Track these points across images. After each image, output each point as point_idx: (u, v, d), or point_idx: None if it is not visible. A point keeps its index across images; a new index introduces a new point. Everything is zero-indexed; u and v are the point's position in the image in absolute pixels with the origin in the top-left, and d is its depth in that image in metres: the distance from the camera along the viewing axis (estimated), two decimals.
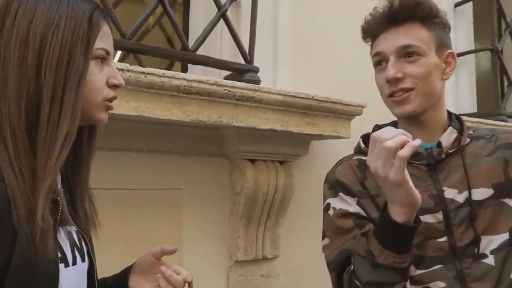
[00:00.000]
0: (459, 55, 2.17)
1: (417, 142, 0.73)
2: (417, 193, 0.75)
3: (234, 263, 1.45)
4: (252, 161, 1.42)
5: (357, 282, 0.82)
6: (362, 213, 0.90)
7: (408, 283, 0.84)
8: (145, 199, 1.29)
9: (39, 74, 0.58)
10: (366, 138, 0.98)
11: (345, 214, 0.90)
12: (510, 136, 0.94)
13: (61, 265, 0.60)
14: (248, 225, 1.45)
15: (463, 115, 2.01)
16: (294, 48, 1.61)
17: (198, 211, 1.43)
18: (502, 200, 0.87)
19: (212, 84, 1.18)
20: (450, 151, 0.90)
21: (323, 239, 0.96)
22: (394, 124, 0.98)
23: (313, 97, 1.35)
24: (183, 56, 1.23)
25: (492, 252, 0.85)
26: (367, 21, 0.95)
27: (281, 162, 1.47)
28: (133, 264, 0.80)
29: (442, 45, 0.92)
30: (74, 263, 0.64)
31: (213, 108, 1.21)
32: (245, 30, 1.45)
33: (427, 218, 0.86)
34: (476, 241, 0.85)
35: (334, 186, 0.96)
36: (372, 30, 0.94)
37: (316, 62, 1.65)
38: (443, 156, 0.90)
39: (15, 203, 0.54)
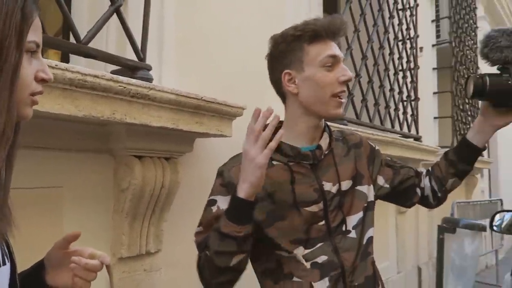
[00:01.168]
0: None
1: (279, 135, 0.94)
2: (263, 178, 0.94)
3: (117, 260, 1.43)
4: (139, 157, 1.43)
5: (208, 253, 0.99)
6: None
7: (303, 261, 1.03)
8: (23, 199, 1.18)
9: None
10: None
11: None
12: (355, 137, 1.21)
13: None
14: (133, 221, 1.46)
15: None
16: (178, 47, 1.66)
17: (79, 210, 1.36)
18: (356, 187, 1.13)
19: (108, 80, 1.16)
20: (326, 152, 1.11)
21: (198, 226, 1.10)
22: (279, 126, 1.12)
23: (202, 97, 1.43)
24: (76, 48, 1.17)
25: (353, 228, 1.09)
26: (321, 24, 1.05)
27: (167, 159, 1.51)
28: (42, 260, 0.76)
29: None
30: None
31: (107, 104, 1.18)
32: (131, 26, 1.44)
33: (313, 208, 1.05)
34: (343, 221, 1.09)
35: (227, 185, 1.06)
36: (324, 31, 1.05)
37: (199, 62, 1.73)
38: (322, 156, 1.10)
39: None
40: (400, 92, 3.31)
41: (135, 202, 1.43)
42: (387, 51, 3.15)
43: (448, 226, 3.50)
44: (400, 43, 3.37)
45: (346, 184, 1.11)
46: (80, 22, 1.41)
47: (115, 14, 1.29)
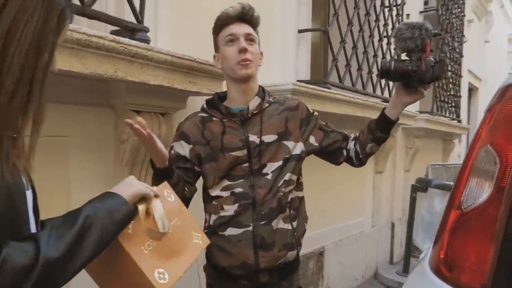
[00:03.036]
0: (300, 31, 2.65)
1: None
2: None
3: None
4: (138, 112, 1.58)
5: None
6: (188, 156, 1.38)
7: (223, 191, 1.36)
8: None
9: (6, 50, 0.63)
10: (208, 101, 1.44)
11: (178, 155, 1.38)
12: (292, 102, 1.45)
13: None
14: (132, 169, 1.63)
15: (300, 81, 2.51)
16: (172, 9, 1.77)
17: (84, 157, 1.53)
18: (282, 141, 1.38)
19: (110, 41, 1.28)
20: (254, 112, 1.38)
21: None
22: (223, 96, 1.45)
23: (195, 59, 1.57)
24: (81, 10, 1.28)
25: (271, 172, 1.37)
26: (222, 16, 1.37)
27: (162, 114, 1.67)
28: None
29: (259, 43, 1.41)
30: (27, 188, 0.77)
31: (111, 63, 1.32)
32: None
33: (237, 153, 1.35)
34: (263, 166, 1.36)
35: (180, 135, 1.41)
36: (224, 20, 1.37)
37: (192, 25, 1.84)
38: (249, 115, 1.37)
39: None
40: (384, 58, 3.44)
41: (134, 153, 1.59)
42: (373, 18, 3.26)
43: (421, 186, 3.76)
44: (386, 10, 3.47)
45: (269, 138, 1.37)
46: None
47: None
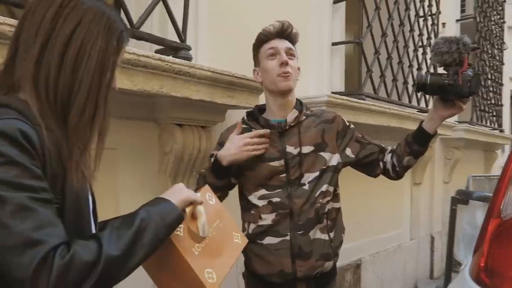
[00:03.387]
0: (334, 44, 2.69)
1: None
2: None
3: None
4: (180, 125, 1.67)
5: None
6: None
7: (260, 200, 1.40)
8: None
9: (74, 72, 0.73)
10: (249, 113, 1.49)
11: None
12: (329, 114, 1.49)
13: None
14: (175, 180, 1.71)
15: (335, 93, 2.54)
16: (211, 28, 1.87)
17: (130, 168, 1.63)
18: (318, 153, 1.42)
19: (157, 59, 1.38)
20: (292, 124, 1.42)
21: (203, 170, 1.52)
22: (263, 108, 1.51)
23: (234, 74, 1.64)
24: (130, 32, 1.38)
25: (308, 182, 1.40)
26: (263, 33, 1.44)
27: (203, 127, 1.75)
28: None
29: (297, 59, 1.46)
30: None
31: (157, 80, 1.41)
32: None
33: (275, 164, 1.40)
34: (300, 176, 1.39)
35: (220, 143, 1.47)
36: (265, 37, 1.43)
37: (230, 42, 1.93)
38: (287, 127, 1.42)
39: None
40: (420, 69, 3.41)
41: (177, 164, 1.68)
42: (407, 28, 3.25)
43: (461, 198, 3.65)
44: (421, 20, 3.45)
45: (306, 149, 1.41)
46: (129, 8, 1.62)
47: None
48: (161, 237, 0.80)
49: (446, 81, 1.28)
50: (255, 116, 1.47)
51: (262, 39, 1.44)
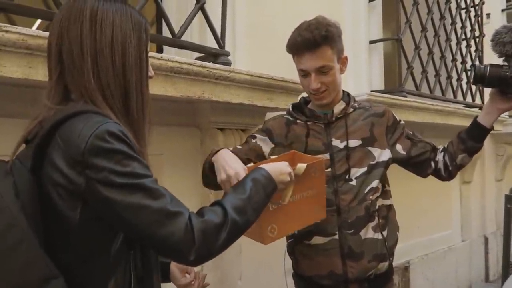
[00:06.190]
0: (371, 42, 2.65)
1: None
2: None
3: None
4: (221, 129, 1.71)
5: None
6: (266, 155, 1.37)
7: None
8: None
9: (125, 74, 0.80)
10: (295, 105, 1.44)
11: (255, 149, 1.38)
12: (378, 108, 1.42)
13: None
14: None
15: (374, 91, 2.50)
16: (249, 33, 1.91)
17: (176, 173, 1.68)
18: (367, 147, 1.35)
19: (198, 66, 1.43)
20: (339, 116, 1.36)
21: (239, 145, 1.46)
22: (309, 100, 1.44)
23: (272, 77, 1.67)
24: (172, 42, 1.45)
25: (355, 178, 1.33)
26: (292, 43, 1.32)
27: (243, 130, 1.78)
28: None
29: (340, 53, 1.35)
30: None
31: (198, 86, 1.46)
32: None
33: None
34: (347, 171, 1.33)
35: (266, 130, 1.42)
36: (295, 50, 1.32)
37: (266, 46, 1.96)
38: (333, 119, 1.36)
39: None
40: (464, 62, 3.28)
41: None
42: (448, 21, 3.14)
43: None
44: (463, 12, 3.33)
45: (354, 143, 1.35)
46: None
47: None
48: (263, 203, 0.92)
49: (507, 73, 1.21)
50: (301, 107, 1.41)
51: (291, 50, 1.33)
